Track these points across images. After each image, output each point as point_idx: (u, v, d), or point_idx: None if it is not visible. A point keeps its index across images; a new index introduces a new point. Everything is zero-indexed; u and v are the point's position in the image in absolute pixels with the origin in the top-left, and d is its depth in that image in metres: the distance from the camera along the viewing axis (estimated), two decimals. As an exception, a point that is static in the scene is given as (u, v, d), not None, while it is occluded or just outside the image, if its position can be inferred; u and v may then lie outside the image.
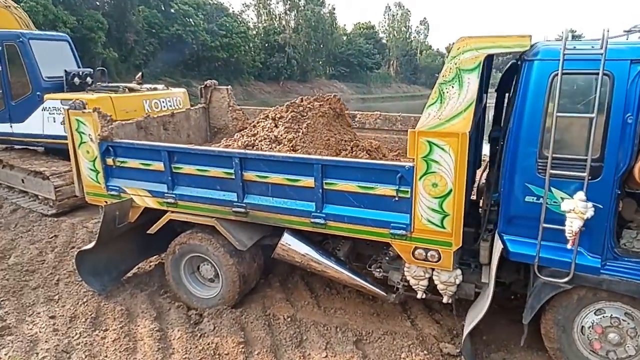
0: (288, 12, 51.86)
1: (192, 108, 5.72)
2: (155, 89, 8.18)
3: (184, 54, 35.19)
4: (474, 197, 4.41)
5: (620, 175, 2.85)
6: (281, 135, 4.09)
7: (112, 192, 4.36)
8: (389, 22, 70.54)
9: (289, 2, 50.86)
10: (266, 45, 46.72)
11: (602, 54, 2.65)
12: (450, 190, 3.17)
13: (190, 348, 3.84)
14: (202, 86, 5.74)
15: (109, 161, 4.26)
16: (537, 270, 3.15)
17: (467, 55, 2.99)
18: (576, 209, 2.80)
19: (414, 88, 67.28)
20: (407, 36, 72.21)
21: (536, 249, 3.09)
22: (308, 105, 4.32)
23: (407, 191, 3.31)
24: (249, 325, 4.13)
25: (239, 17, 44.90)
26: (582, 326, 3.27)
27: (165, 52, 33.94)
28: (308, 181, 3.57)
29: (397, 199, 3.37)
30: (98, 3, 31.05)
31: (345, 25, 63.04)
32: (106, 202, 4.31)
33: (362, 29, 63.13)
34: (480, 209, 4.33)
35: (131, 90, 7.68)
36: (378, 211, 3.47)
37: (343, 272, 3.98)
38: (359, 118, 5.27)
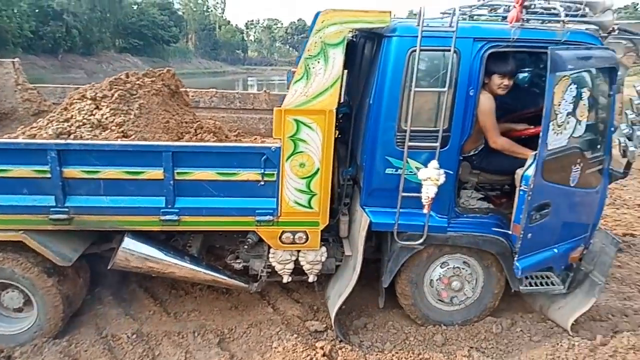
0: (62, -27, 44.03)
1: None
2: None
3: None
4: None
5: (463, 142, 3.18)
6: (106, 119, 3.34)
7: None
8: (184, -7, 66.92)
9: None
10: (37, 11, 38.80)
11: (454, 32, 2.85)
12: (318, 169, 3.09)
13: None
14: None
15: None
16: (396, 236, 3.34)
17: (332, 29, 2.88)
18: (432, 177, 3.02)
19: (215, 64, 65.83)
20: (205, 9, 69.80)
21: (395, 217, 3.26)
22: (137, 82, 3.63)
23: (274, 174, 3.09)
24: (83, 355, 3.35)
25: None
26: (431, 279, 3.64)
27: None
28: (155, 173, 3.01)
29: (262, 183, 3.12)
30: None
31: (134, -9, 56.97)
32: None
33: (154, -1, 58.10)
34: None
35: None
36: (242, 198, 3.16)
37: (199, 270, 3.55)
38: (193, 96, 4.74)
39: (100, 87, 3.54)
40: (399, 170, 3.17)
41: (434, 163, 3.04)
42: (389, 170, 3.21)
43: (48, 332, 3.39)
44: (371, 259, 4.07)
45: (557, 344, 3.44)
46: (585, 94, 2.98)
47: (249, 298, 4.13)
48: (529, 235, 3.05)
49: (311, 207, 3.20)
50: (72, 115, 3.37)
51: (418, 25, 2.82)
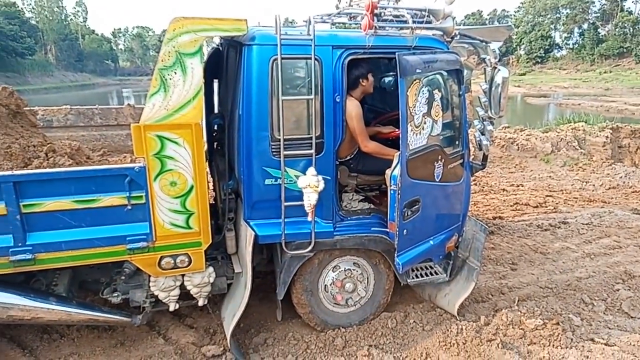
0: None
1: None
2: None
3: None
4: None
5: (337, 147, 3.21)
6: None
7: None
8: (36, 0, 60.15)
9: None
10: None
11: (312, 40, 2.86)
12: (192, 187, 2.89)
13: None
14: None
15: None
16: (285, 246, 3.27)
17: (186, 37, 2.69)
18: (311, 184, 3.01)
19: (82, 76, 60.41)
20: (63, 18, 63.48)
21: (281, 227, 3.20)
22: (-35, 104, 3.08)
23: (142, 196, 2.82)
24: None
25: None
26: (325, 285, 3.64)
27: None
28: (-5, 208, 2.56)
29: (129, 207, 2.83)
30: None
31: (-27, 1, 49.90)
32: None
33: (-1, 7, 51.43)
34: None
35: None
36: (107, 226, 2.84)
37: (69, 311, 3.12)
38: (43, 115, 4.20)
39: None
40: (279, 180, 3.11)
41: (311, 170, 3.03)
42: (268, 181, 3.13)
43: None
44: (266, 272, 3.99)
45: (447, 329, 3.65)
46: (437, 94, 3.19)
47: (135, 332, 3.75)
48: (405, 231, 3.17)
49: (190, 227, 2.98)
50: None
51: (276, 33, 2.77)
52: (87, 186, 2.74)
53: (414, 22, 3.19)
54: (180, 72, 2.73)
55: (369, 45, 3.12)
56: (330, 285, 3.64)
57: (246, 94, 2.99)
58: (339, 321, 3.75)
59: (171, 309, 3.36)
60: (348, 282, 3.67)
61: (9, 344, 3.58)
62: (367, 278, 3.76)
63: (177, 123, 2.74)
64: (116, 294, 3.35)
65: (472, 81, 3.69)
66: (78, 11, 69.12)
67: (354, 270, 3.67)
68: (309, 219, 3.12)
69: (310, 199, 3.03)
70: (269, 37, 2.91)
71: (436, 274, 3.94)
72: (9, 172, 2.63)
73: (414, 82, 2.93)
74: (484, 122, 3.51)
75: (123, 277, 3.34)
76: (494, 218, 6.60)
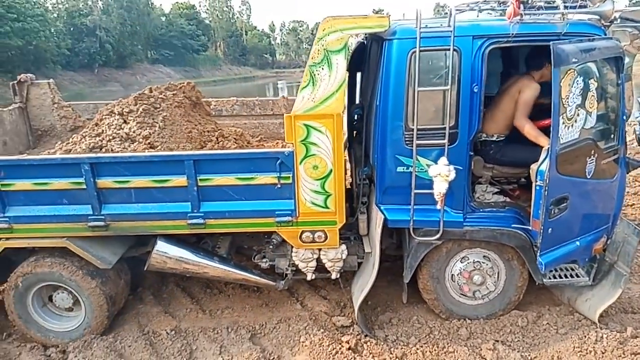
0: (93, -9, 46.06)
1: (4, 110, 4.65)
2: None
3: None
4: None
5: (472, 138, 3.23)
6: (134, 132, 3.60)
7: None
8: (210, 2, 68.30)
9: (91, -20, 45.20)
10: (72, 29, 40.77)
11: (451, 32, 2.92)
12: (331, 171, 3.21)
13: (58, 393, 3.24)
14: (15, 82, 4.69)
15: None
16: (412, 232, 3.42)
17: (333, 36, 3.00)
18: (442, 173, 3.09)
19: (245, 70, 66.86)
20: (230, 16, 71.06)
21: (410, 213, 3.35)
22: (160, 96, 3.88)
23: (289, 177, 3.24)
24: (127, 350, 3.64)
25: (32, -3, 38.04)
26: (452, 274, 3.69)
27: None
28: (179, 180, 3.23)
29: (279, 186, 3.28)
30: None
31: (161, 5, 58.84)
32: None
33: (181, 9, 59.81)
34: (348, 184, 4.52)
35: None
36: (261, 201, 3.34)
37: (229, 270, 3.76)
38: (215, 105, 4.97)
39: (126, 102, 3.81)
40: (410, 168, 3.25)
41: (443, 159, 3.10)
42: (400, 169, 3.30)
43: (95, 329, 3.69)
44: (395, 256, 4.18)
45: (585, 336, 3.41)
46: (593, 85, 2.97)
47: (278, 295, 4.31)
48: (550, 230, 3.06)
49: (327, 207, 3.33)
50: (102, 130, 3.65)
51: (416, 27, 2.90)
52: (247, 166, 3.26)
53: (565, 7, 3.02)
54: (327, 68, 3.05)
55: (513, 34, 3.05)
56: (458, 275, 3.68)
57: (384, 85, 3.19)
58: (465, 312, 3.77)
59: (308, 278, 3.79)
60: (476, 275, 3.66)
61: (182, 293, 4.44)
62: (498, 273, 3.69)
63: (322, 113, 3.07)
64: (265, 260, 3.90)
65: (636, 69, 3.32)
66: (243, 9, 76.48)
67: (483, 263, 3.65)
68: (438, 207, 3.21)
69: (440, 188, 3.11)
70: (409, 31, 3.05)
71: (577, 276, 3.69)
72: (191, 152, 3.28)
73: (569, 72, 2.80)
74: (644, 115, 3.16)
75: (271, 247, 3.87)
76: (656, 224, 5.73)
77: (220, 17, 66.99)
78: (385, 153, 3.31)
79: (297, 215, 3.35)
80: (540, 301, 4.02)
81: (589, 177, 3.13)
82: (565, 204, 3.07)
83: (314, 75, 3.05)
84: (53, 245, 3.42)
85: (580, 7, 3.07)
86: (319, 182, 3.25)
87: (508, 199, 3.63)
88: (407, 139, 3.22)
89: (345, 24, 2.99)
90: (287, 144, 3.19)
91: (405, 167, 3.29)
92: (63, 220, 3.34)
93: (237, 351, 3.59)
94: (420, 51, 2.98)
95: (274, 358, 3.55)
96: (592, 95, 2.99)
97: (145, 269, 3.64)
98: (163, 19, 55.90)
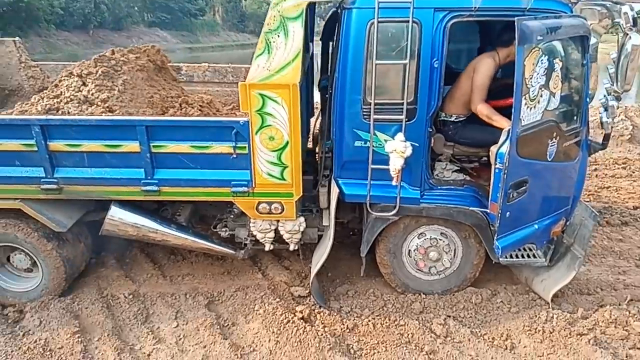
0: (88, -53, 44.51)
1: (-33, 66, 4.55)
2: None
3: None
4: (310, 145, 4.53)
5: (431, 115, 3.18)
6: (92, 95, 3.52)
7: None
8: (210, -38, 66.25)
9: None
10: (66, -13, 39.64)
11: (411, 2, 2.83)
12: (287, 142, 3.17)
13: (12, 351, 3.28)
14: (-21, 39, 4.57)
15: None
16: (369, 207, 3.42)
17: (290, 2, 2.91)
18: (397, 149, 3.06)
19: (243, 36, 65.37)
20: (232, -21, 69.13)
21: (367, 189, 3.34)
22: (122, 59, 3.78)
23: (245, 147, 3.21)
24: (84, 312, 3.68)
25: (22, -50, 36.78)
26: (409, 250, 3.72)
27: None
28: (132, 146, 3.19)
29: (235, 156, 3.25)
30: None
31: (159, -35, 57.06)
32: None
33: (179, -29, 58.04)
34: (317, 157, 4.49)
35: None
36: (217, 170, 3.31)
37: (186, 238, 3.77)
38: (186, 71, 4.87)
39: (87, 64, 3.71)
40: (368, 143, 3.22)
41: (399, 135, 3.07)
42: (358, 143, 3.27)
43: (53, 290, 3.72)
44: (360, 230, 4.19)
45: (536, 315, 3.49)
46: (558, 64, 2.90)
47: (241, 265, 4.34)
48: (508, 213, 3.04)
49: (284, 179, 3.31)
50: (61, 92, 3.57)
51: None
52: (202, 134, 3.22)
53: None
54: (282, 36, 2.97)
55: (475, 8, 2.96)
56: (414, 251, 3.71)
57: (342, 57, 3.12)
58: (421, 287, 3.82)
59: (266, 249, 3.81)
60: (432, 251, 3.69)
61: (145, 258, 4.47)
62: (455, 250, 3.71)
63: (277, 83, 3.01)
64: (225, 229, 3.92)
65: (602, 48, 3.25)
66: (248, -28, 74.12)
67: (440, 240, 3.67)
68: (394, 183, 3.19)
69: (395, 164, 3.09)
70: (370, 0, 2.95)
71: (534, 257, 3.73)
72: (143, 117, 3.23)
73: (533, 51, 2.72)
74: (607, 97, 3.11)
75: (232, 216, 3.88)
76: (635, 208, 5.76)
77: (221, -21, 65.06)
78: (344, 127, 3.27)
79: (254, 186, 3.34)
80: (498, 279, 4.07)
81: (549, 160, 3.10)
82: (524, 188, 3.04)
83: (270, 42, 2.97)
84: (6, 207, 3.40)
85: None
86: (275, 154, 3.22)
87: (468, 178, 3.62)
88: (364, 113, 3.17)
89: None
90: (243, 113, 3.13)
91: (363, 142, 3.26)
92: (16, 182, 3.31)
93: (193, 317, 3.64)
94: (379, 22, 2.89)
95: (228, 324, 3.61)
96: (557, 76, 2.93)
97: (99, 234, 3.63)
98: (161, -20, 54.29)
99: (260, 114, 3.09)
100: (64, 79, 3.68)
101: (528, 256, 3.73)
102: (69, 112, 3.41)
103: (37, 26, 34.15)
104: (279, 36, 2.96)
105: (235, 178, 3.33)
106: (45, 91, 3.75)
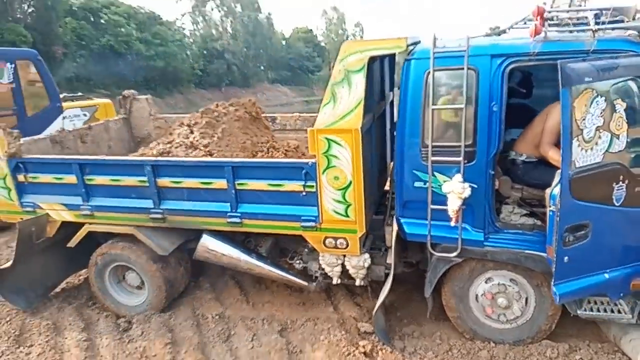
0: (224, 18, 51.42)
1: (111, 119, 5.72)
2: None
3: (118, 64, 33.96)
4: (387, 187, 4.75)
5: (492, 157, 3.23)
6: (197, 141, 4.24)
7: (27, 209, 4.32)
8: (326, 25, 71.55)
9: (224, 8, 50.43)
10: (205, 52, 45.97)
11: (465, 51, 3.02)
12: (350, 182, 3.45)
13: (118, 354, 3.92)
14: (121, 97, 5.76)
15: (20, 177, 4.23)
16: (430, 247, 3.50)
17: (353, 57, 3.28)
18: (455, 190, 3.16)
19: (352, 88, 68.15)
20: (344, 39, 73.58)
21: (427, 228, 3.44)
22: (223, 111, 4.49)
23: (313, 185, 3.56)
24: (177, 327, 4.23)
25: (173, 25, 43.87)
26: (476, 294, 3.66)
27: (98, 63, 32.59)
28: (221, 183, 3.74)
29: (304, 193, 3.61)
30: (19, 15, 29.37)
31: (282, 30, 63.32)
32: (21, 218, 4.26)
33: (300, 33, 63.66)
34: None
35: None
36: (289, 206, 3.70)
37: (264, 267, 4.18)
38: (280, 120, 5.50)
39: (195, 116, 4.48)
40: (427, 183, 3.36)
41: (457, 177, 3.17)
42: (417, 184, 3.42)
43: (155, 306, 4.37)
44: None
45: (619, 378, 3.18)
46: (620, 105, 2.81)
47: (316, 297, 4.62)
48: (565, 258, 2.93)
49: (348, 216, 3.57)
50: (173, 139, 4.35)
51: (431, 48, 3.05)
52: (277, 174, 3.66)
53: (597, 23, 2.93)
54: (346, 87, 3.33)
55: (534, 53, 3.03)
56: (481, 296, 3.63)
57: (402, 103, 3.37)
58: (490, 335, 3.69)
59: (334, 282, 4.05)
60: (501, 297, 3.58)
61: (234, 284, 4.99)
62: (527, 298, 3.56)
63: (341, 128, 3.35)
64: (299, 262, 4.25)
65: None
66: (356, 31, 78.61)
67: (509, 286, 3.55)
68: (452, 223, 3.26)
69: (453, 205, 3.18)
70: (426, 51, 3.20)
71: (619, 312, 3.40)
72: (229, 159, 3.79)
73: (585, 92, 2.72)
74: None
75: (306, 250, 4.22)
76: None
77: (335, 39, 69.61)
78: (404, 168, 3.47)
79: (321, 221, 3.65)
80: (581, 335, 3.77)
81: (617, 204, 2.93)
82: (585, 232, 2.92)
83: (335, 93, 3.35)
84: (123, 232, 4.17)
85: (616, 22, 2.95)
86: (340, 192, 3.51)
87: (538, 222, 3.51)
88: (423, 155, 3.34)
89: (364, 46, 3.26)
90: (312, 155, 3.52)
91: (422, 182, 3.41)
92: (131, 212, 4.06)
93: (267, 341, 3.97)
94: (435, 71, 3.12)
95: (296, 351, 3.87)
96: (620, 117, 2.83)
97: (192, 257, 4.23)
98: (283, 42, 60.02)
99: (326, 155, 3.44)
100: (177, 128, 4.48)
101: (612, 311, 3.41)
102: (177, 155, 4.14)
103: (180, 86, 39.82)
104: (343, 87, 3.33)
105: (304, 214, 3.68)
106: (162, 138, 4.58)
